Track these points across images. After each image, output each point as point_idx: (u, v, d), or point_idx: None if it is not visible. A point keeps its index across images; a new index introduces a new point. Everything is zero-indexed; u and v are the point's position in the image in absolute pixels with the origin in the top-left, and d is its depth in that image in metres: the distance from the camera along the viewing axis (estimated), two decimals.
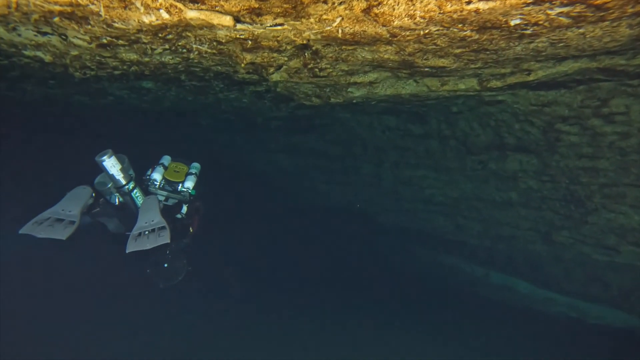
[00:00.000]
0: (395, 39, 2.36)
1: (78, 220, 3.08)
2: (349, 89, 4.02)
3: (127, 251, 2.96)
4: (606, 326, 6.38)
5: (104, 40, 2.46)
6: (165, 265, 4.09)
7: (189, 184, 3.92)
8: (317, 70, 3.31)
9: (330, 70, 3.33)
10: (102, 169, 3.30)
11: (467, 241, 7.41)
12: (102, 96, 5.39)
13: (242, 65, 3.00)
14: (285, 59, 3.08)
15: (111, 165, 3.26)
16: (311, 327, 7.91)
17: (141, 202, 3.56)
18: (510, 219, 6.22)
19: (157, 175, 3.83)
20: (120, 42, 2.51)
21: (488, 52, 2.67)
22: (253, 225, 10.77)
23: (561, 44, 2.38)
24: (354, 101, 4.60)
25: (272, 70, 3.25)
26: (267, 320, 7.93)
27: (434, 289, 8.77)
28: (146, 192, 3.73)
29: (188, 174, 4.01)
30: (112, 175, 3.30)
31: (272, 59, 3.04)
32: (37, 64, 3.18)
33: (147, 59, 3.03)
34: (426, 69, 3.18)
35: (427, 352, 7.19)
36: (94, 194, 3.47)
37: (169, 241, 3.01)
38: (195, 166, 4.16)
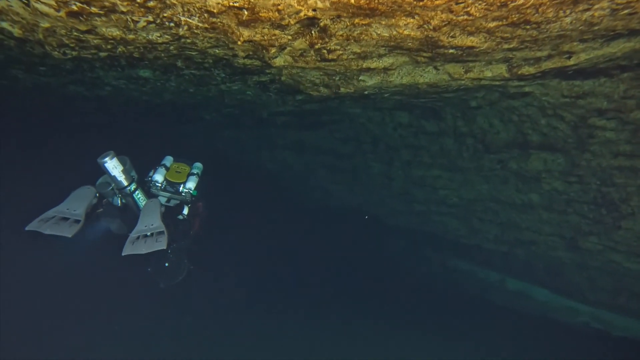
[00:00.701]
0: (420, 3, 1.91)
1: (83, 219, 3.09)
2: (361, 77, 3.57)
3: (122, 254, 2.93)
4: (633, 339, 5.85)
5: (74, 7, 2.05)
6: (167, 264, 4.01)
7: (191, 184, 3.84)
8: (325, 52, 2.87)
9: (341, 52, 2.88)
10: (104, 171, 3.25)
11: (482, 245, 6.90)
12: (99, 86, 5.01)
13: (239, 43, 2.57)
14: (289, 37, 2.64)
15: (113, 167, 3.22)
16: (317, 330, 7.56)
17: (143, 203, 3.50)
18: (531, 223, 5.71)
19: (158, 177, 3.77)
20: (94, 9, 2.10)
21: (529, 27, 2.21)
22: (257, 225, 10.37)
23: (625, 11, 1.91)
24: (366, 92, 4.15)
25: (274, 51, 2.82)
26: (272, 322, 7.57)
27: (445, 294, 8.27)
28: (148, 193, 3.66)
29: (190, 174, 3.91)
30: (114, 177, 3.25)
31: (273, 38, 2.60)
32: (11, 42, 2.78)
33: (131, 36, 2.62)
34: (450, 51, 2.72)
35: (437, 358, 6.79)
36: (97, 194, 3.45)
37: (165, 247, 2.96)
38: (197, 166, 4.04)
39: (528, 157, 5.05)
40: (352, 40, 2.66)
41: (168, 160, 4.01)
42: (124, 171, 3.31)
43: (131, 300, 6.53)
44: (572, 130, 4.21)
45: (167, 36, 2.69)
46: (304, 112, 6.23)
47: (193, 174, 3.91)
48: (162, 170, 3.84)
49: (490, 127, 5.32)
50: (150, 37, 2.68)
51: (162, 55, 3.37)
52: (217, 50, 3.21)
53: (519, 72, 3.08)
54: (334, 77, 3.67)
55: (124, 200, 3.53)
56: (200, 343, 6.03)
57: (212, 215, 4.47)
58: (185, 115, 6.86)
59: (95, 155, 3.28)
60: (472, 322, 7.63)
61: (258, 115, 6.45)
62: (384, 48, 2.83)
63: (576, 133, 4.18)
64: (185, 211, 3.98)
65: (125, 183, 3.32)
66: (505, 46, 2.57)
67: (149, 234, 3.08)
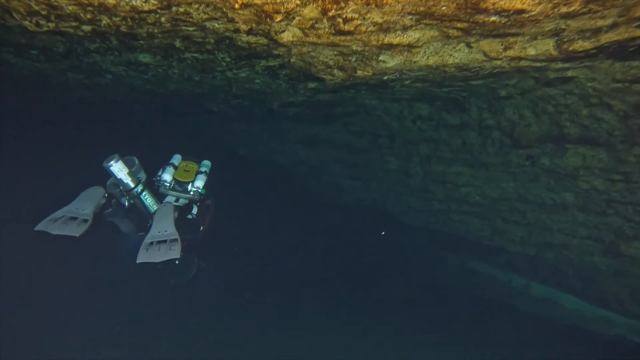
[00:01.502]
0: None
1: (91, 218, 3.10)
2: (381, 57, 3.07)
3: (137, 261, 2.92)
4: None
5: None
6: (177, 262, 3.72)
7: (199, 183, 3.78)
8: (340, 21, 2.38)
9: (359, 22, 2.39)
10: (110, 174, 3.24)
11: (505, 247, 6.32)
12: (98, 73, 4.63)
13: (237, 7, 2.11)
14: (297, 2, 2.17)
15: (118, 169, 3.20)
16: (328, 330, 7.14)
17: (151, 204, 3.50)
18: (563, 225, 5.13)
19: (167, 176, 3.72)
20: None
21: None
22: (268, 222, 9.96)
23: None
24: (385, 77, 3.65)
25: (280, 19, 2.34)
26: (282, 322, 7.17)
27: (464, 298, 7.71)
28: (157, 193, 3.64)
29: (198, 172, 3.85)
30: (120, 179, 3.24)
31: (277, 0, 2.13)
32: None
33: (111, 1, 2.18)
34: (492, 19, 2.21)
35: None
36: (106, 195, 3.45)
37: (178, 256, 2.97)
38: (206, 164, 3.98)
39: (564, 152, 4.47)
40: (373, 5, 2.17)
41: (176, 159, 3.94)
42: (130, 173, 3.29)
43: (135, 299, 6.20)
44: (621, 121, 3.63)
45: (153, 1, 2.24)
46: (317, 103, 5.75)
47: (201, 173, 3.85)
48: (170, 169, 3.79)
49: (521, 119, 4.75)
50: (133, 2, 2.23)
51: (156, 31, 2.94)
52: (216, 25, 2.76)
53: (570, 49, 2.53)
54: (349, 58, 3.18)
55: (131, 202, 3.49)
56: (204, 346, 5.64)
57: (221, 212, 4.36)
58: (193, 107, 6.46)
59: (102, 153, 3.25)
60: (491, 328, 7.08)
61: (268, 106, 6.00)
62: (410, 17, 2.33)
63: (626, 124, 3.61)
64: (195, 210, 3.92)
65: (132, 185, 3.29)
66: (564, 10, 2.04)
67: (162, 240, 3.07)
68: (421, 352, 6.49)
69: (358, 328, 7.42)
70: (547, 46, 2.63)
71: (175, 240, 3.09)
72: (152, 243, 3.05)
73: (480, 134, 5.38)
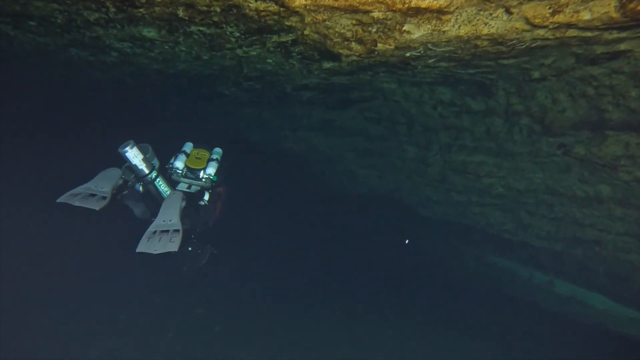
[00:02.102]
0: None
1: (109, 196, 3.16)
2: (405, 27, 2.68)
3: (137, 250, 2.95)
4: None
5: None
6: (190, 248, 3.95)
7: (211, 170, 3.84)
8: None
9: None
10: (125, 160, 3.29)
11: (529, 242, 5.89)
12: (103, 50, 4.36)
13: None
14: None
15: (133, 155, 3.26)
16: (338, 324, 6.88)
17: (165, 190, 3.55)
18: (596, 220, 4.68)
19: (179, 164, 3.77)
20: None
21: None
22: (280, 212, 9.67)
23: None
24: (408, 54, 3.26)
25: None
26: (292, 314, 6.93)
27: (482, 294, 7.32)
28: (169, 180, 3.70)
29: (210, 160, 3.91)
30: (135, 165, 3.30)
31: None
32: None
33: None
34: None
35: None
36: (123, 176, 3.48)
37: (176, 249, 2.96)
38: (217, 151, 4.03)
39: (603, 139, 4.01)
40: None
41: (188, 147, 3.97)
42: (145, 159, 3.34)
43: (141, 288, 6.01)
44: None
45: None
46: (332, 86, 5.37)
47: (213, 160, 3.89)
48: (182, 157, 3.82)
49: (554, 104, 4.30)
50: None
51: None
52: None
53: (638, 8, 2.10)
54: (369, 29, 2.80)
55: (145, 188, 3.54)
56: (210, 336, 5.40)
57: (233, 199, 4.33)
58: (203, 90, 6.15)
59: (115, 140, 3.30)
60: (511, 325, 6.70)
61: (281, 89, 5.65)
62: None
63: None
64: (206, 197, 3.95)
65: (147, 171, 3.36)
66: None
67: (164, 230, 3.09)
68: (438, 348, 6.17)
69: (368, 319, 7.14)
70: (607, 7, 2.20)
71: (177, 231, 3.08)
72: (155, 232, 3.07)
73: (507, 120, 4.94)
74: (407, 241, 7.44)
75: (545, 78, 4.00)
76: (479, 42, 2.89)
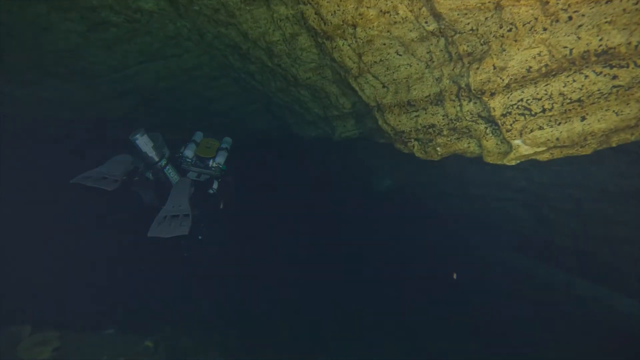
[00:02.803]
0: None
1: (120, 179, 3.22)
2: None
3: (149, 235, 2.98)
4: None
5: None
6: (200, 237, 3.97)
7: (220, 159, 3.87)
8: None
9: None
10: (135, 147, 3.34)
11: (551, 239, 5.48)
12: (100, 25, 4.02)
13: None
14: None
15: (144, 143, 3.32)
16: (344, 314, 6.62)
17: (174, 178, 3.58)
18: (631, 217, 4.26)
19: (189, 152, 3.80)
20: None
21: None
22: (289, 200, 9.36)
23: None
24: None
25: None
26: (301, 306, 6.67)
27: (497, 292, 6.93)
28: (179, 169, 3.73)
29: (219, 149, 3.94)
30: (145, 152, 3.35)
31: None
32: None
33: None
34: None
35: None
36: (133, 163, 3.52)
37: (187, 233, 3.00)
38: (227, 141, 4.06)
39: None
40: None
41: (198, 136, 4.01)
42: (155, 147, 3.38)
43: (146, 280, 5.77)
44: None
45: None
46: None
47: (222, 149, 3.92)
48: (192, 146, 3.85)
49: None
50: None
51: None
52: None
53: None
54: None
55: (155, 175, 3.56)
56: (212, 329, 5.14)
57: (242, 188, 4.34)
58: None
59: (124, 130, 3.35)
60: (529, 326, 6.33)
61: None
62: None
63: None
64: (216, 185, 3.96)
65: (157, 159, 3.41)
66: None
67: (175, 214, 3.12)
68: (452, 347, 5.86)
69: (376, 314, 6.86)
70: None
71: (187, 215, 3.11)
72: (165, 217, 3.10)
73: None
74: (454, 275, 7.15)
75: None
76: None
